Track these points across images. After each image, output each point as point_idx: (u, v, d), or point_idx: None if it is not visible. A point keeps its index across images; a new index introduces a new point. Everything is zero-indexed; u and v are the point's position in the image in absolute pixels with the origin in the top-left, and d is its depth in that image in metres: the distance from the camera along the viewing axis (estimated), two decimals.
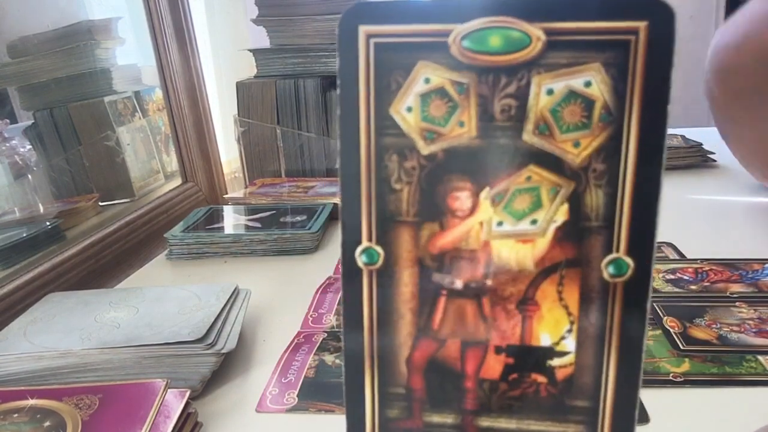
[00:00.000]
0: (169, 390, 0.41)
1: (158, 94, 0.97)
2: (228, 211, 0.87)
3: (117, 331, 0.49)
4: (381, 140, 0.24)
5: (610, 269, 0.23)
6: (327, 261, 0.72)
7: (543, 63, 0.22)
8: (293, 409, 0.44)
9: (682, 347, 0.48)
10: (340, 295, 0.60)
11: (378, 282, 0.25)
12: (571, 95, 0.22)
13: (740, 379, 0.44)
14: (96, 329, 0.49)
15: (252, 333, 0.56)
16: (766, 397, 0.42)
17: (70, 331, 0.49)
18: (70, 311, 0.54)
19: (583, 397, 0.25)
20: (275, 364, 0.50)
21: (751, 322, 0.51)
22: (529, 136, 0.23)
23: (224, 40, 1.28)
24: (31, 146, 0.76)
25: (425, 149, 0.24)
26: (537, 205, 0.23)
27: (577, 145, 0.23)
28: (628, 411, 0.24)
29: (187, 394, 0.41)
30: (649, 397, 0.42)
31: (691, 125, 1.10)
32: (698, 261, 0.63)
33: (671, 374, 0.45)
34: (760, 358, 0.46)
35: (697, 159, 0.99)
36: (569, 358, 0.24)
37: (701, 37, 2.42)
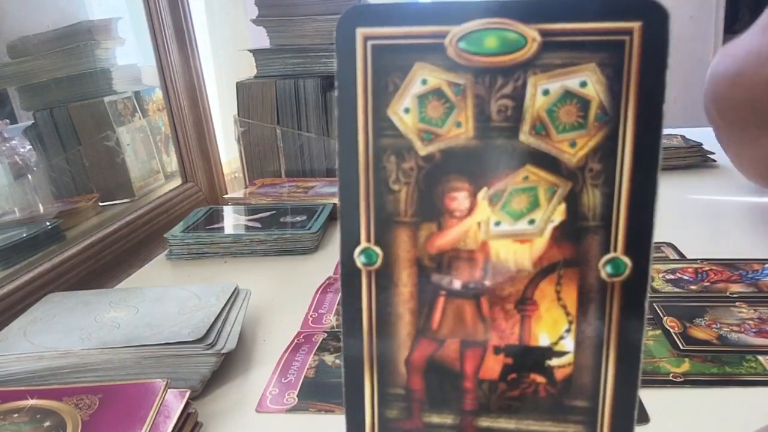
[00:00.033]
0: (169, 390, 0.41)
1: (158, 94, 0.97)
2: (228, 212, 0.87)
3: (117, 331, 0.49)
4: (379, 141, 0.24)
5: (608, 269, 0.23)
6: (327, 261, 0.72)
7: (539, 64, 0.22)
8: (293, 409, 0.44)
9: (682, 347, 0.48)
10: (340, 295, 0.60)
11: (377, 282, 0.25)
12: (567, 95, 0.22)
13: (740, 379, 0.44)
14: (96, 329, 0.49)
15: (252, 333, 0.56)
16: (766, 397, 0.42)
17: (70, 331, 0.49)
18: (70, 311, 0.54)
19: (582, 397, 0.25)
20: (275, 364, 0.50)
21: (751, 322, 0.51)
22: (525, 137, 0.23)
23: (224, 40, 1.28)
24: (31, 146, 0.76)
25: (423, 150, 0.24)
26: (534, 205, 0.23)
27: (573, 144, 0.23)
28: (628, 411, 0.24)
29: (187, 394, 0.41)
30: (648, 397, 0.42)
31: (691, 125, 1.09)
32: (698, 261, 0.63)
33: (671, 374, 0.45)
34: (760, 358, 0.46)
35: (697, 159, 0.99)
36: (568, 358, 0.24)
37: (701, 37, 2.42)
